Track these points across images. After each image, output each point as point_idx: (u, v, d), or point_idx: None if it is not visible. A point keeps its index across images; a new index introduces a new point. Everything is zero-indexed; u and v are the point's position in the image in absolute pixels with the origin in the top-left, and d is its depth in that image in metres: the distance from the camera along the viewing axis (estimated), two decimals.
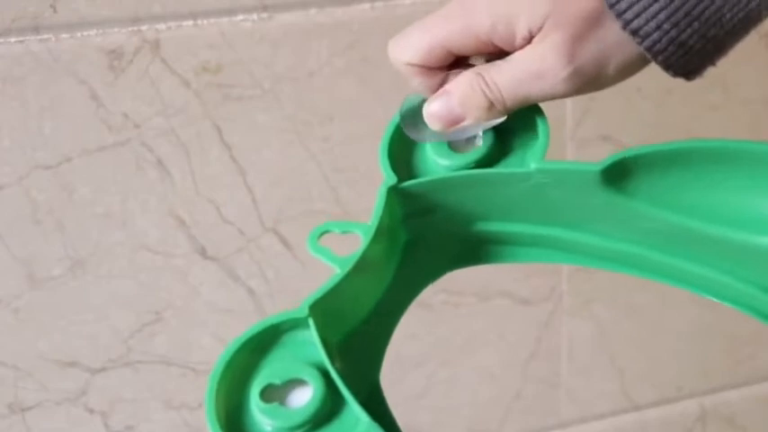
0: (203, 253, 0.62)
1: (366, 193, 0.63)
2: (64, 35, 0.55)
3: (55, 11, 0.55)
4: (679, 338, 0.78)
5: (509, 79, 0.32)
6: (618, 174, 0.32)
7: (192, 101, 0.59)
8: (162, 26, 0.57)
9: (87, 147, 0.58)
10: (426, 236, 0.37)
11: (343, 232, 0.34)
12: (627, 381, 0.78)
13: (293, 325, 0.30)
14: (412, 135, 0.35)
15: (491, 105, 0.32)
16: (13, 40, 0.55)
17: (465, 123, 0.33)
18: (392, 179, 0.34)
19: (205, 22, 0.58)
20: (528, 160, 0.33)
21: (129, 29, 0.56)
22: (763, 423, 0.83)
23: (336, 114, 0.61)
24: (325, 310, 0.31)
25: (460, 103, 0.33)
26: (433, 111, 0.33)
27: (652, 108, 0.67)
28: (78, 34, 0.56)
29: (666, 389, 0.80)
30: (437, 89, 0.34)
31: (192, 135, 0.60)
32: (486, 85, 0.32)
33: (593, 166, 0.31)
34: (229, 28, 0.58)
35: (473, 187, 0.35)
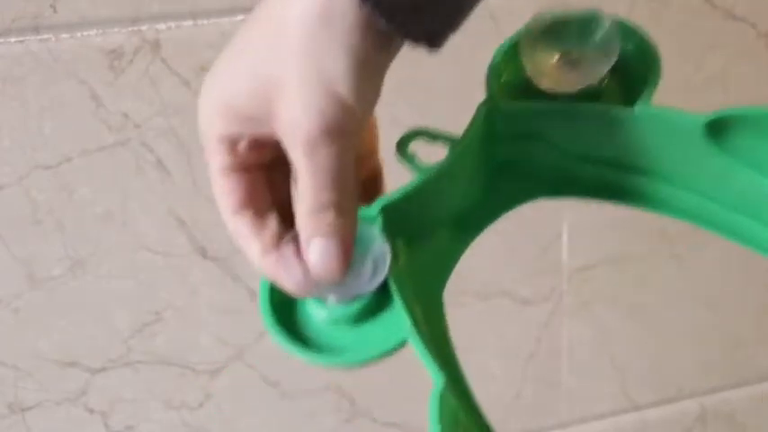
0: (203, 253, 0.62)
1: None
2: (64, 35, 0.55)
3: (55, 11, 0.55)
4: (679, 338, 0.78)
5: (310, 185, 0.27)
6: (721, 129, 0.31)
7: (192, 101, 0.59)
8: (162, 26, 0.57)
9: (87, 147, 0.58)
10: (521, 161, 0.36)
11: (432, 140, 0.33)
12: (627, 381, 0.78)
13: (364, 221, 0.31)
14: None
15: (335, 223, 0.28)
16: (13, 40, 0.55)
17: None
18: (492, 98, 0.34)
19: (205, 22, 0.58)
20: (634, 102, 0.32)
21: (129, 29, 0.56)
22: (764, 423, 0.83)
23: None
24: (398, 211, 0.31)
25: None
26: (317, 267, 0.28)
27: None
28: (78, 34, 0.56)
29: (666, 389, 0.80)
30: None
31: (192, 135, 0.60)
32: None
33: (698, 117, 0.31)
34: (229, 28, 0.58)
35: (573, 121, 0.34)
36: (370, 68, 0.27)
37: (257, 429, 0.68)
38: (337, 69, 0.26)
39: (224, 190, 0.29)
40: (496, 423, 0.29)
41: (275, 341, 0.29)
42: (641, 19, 0.67)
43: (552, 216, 0.70)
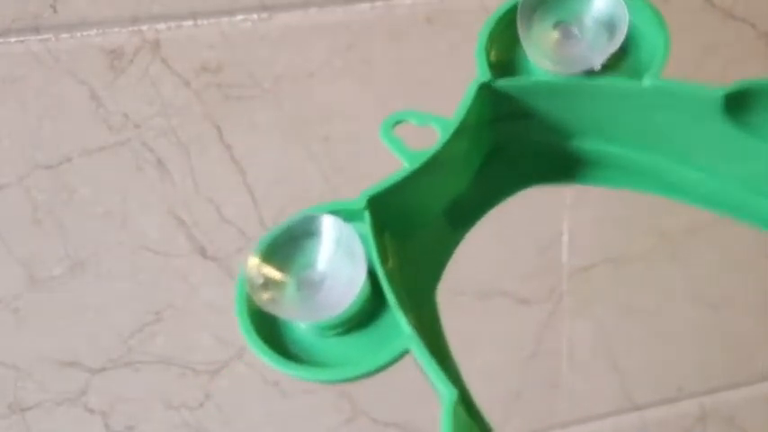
0: (203, 253, 0.62)
1: None
2: (64, 35, 0.55)
3: (55, 11, 0.55)
4: (679, 339, 0.78)
5: None
6: (741, 103, 0.29)
7: (192, 101, 0.59)
8: (162, 26, 0.57)
9: (87, 147, 0.58)
10: (515, 144, 0.33)
11: (421, 124, 0.31)
12: (627, 381, 0.78)
13: (347, 216, 0.28)
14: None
15: None
16: (13, 40, 0.55)
17: None
18: (485, 76, 0.30)
19: (205, 22, 0.58)
20: (642, 75, 0.30)
21: (129, 29, 0.56)
22: (764, 423, 0.83)
23: (336, 114, 0.61)
24: (385, 205, 0.28)
25: None
26: None
27: None
28: (78, 34, 0.56)
29: (666, 389, 0.80)
30: None
31: (192, 135, 0.60)
32: None
33: (716, 91, 0.29)
34: (229, 28, 0.58)
35: (575, 97, 0.31)
36: None
37: (257, 429, 0.68)
38: None
39: None
40: (496, 423, 0.28)
41: (257, 355, 0.26)
42: None
43: (552, 216, 0.70)
